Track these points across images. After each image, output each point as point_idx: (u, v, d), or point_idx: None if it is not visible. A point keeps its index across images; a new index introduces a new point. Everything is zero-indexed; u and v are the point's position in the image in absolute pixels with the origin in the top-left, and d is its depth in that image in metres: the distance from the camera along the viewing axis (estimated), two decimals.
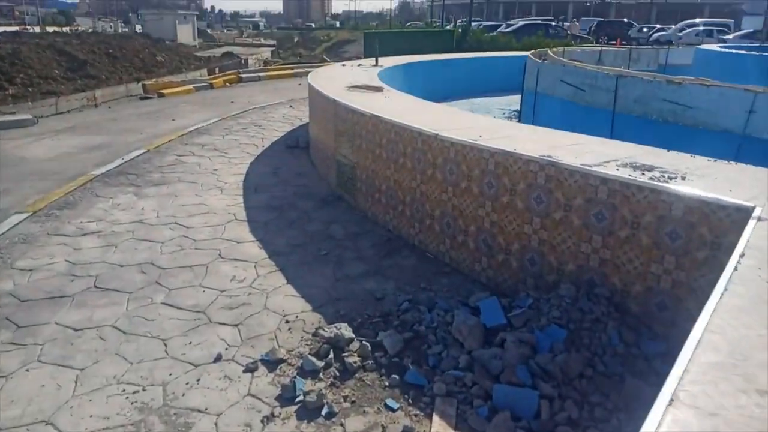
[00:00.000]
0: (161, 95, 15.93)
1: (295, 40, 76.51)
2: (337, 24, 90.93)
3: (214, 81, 18.75)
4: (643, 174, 3.50)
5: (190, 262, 4.74)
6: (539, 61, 9.46)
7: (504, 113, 12.42)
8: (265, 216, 5.87)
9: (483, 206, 4.32)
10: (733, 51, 10.94)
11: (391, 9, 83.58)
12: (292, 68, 23.59)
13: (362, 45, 42.80)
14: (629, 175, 3.46)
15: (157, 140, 9.30)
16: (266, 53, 54.88)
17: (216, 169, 7.55)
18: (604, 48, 13.91)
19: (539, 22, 37.70)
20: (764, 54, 10.61)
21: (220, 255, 4.90)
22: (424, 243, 5.00)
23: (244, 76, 20.42)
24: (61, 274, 4.53)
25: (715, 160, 3.92)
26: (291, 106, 12.98)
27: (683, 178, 3.43)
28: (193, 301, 4.14)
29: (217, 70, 29.73)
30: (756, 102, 5.96)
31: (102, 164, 7.79)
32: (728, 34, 37.67)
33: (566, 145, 4.26)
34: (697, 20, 43.97)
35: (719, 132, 6.32)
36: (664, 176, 3.46)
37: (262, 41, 67.72)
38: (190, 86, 17.47)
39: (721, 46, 13.04)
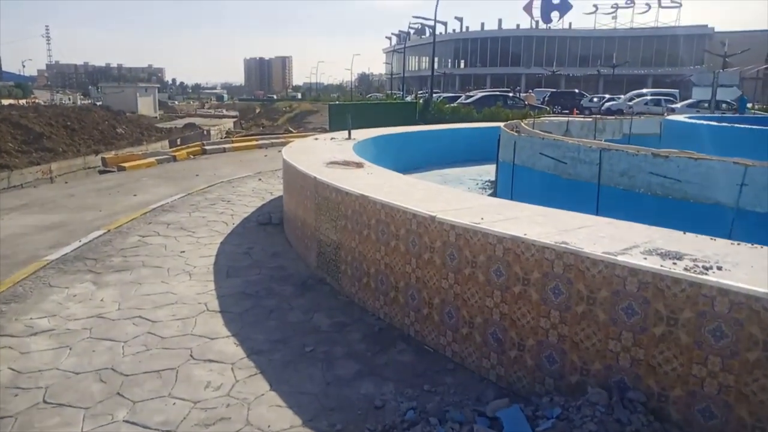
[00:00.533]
0: (122, 168, 15.37)
1: (257, 111, 77.27)
2: (299, 95, 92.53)
3: (177, 153, 18.31)
4: (674, 264, 3.18)
5: (157, 366, 4.14)
6: (514, 133, 9.38)
7: (477, 184, 12.28)
8: (240, 305, 5.33)
9: (491, 296, 3.91)
10: (704, 122, 11.19)
11: (351, 81, 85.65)
12: (256, 139, 23.40)
13: (325, 116, 43.31)
14: (661, 266, 3.13)
15: (118, 219, 8.71)
16: (228, 124, 54.90)
17: (183, 251, 7.00)
18: (570, 119, 14.12)
19: (497, 93, 38.95)
20: (734, 125, 10.86)
21: (191, 355, 4.32)
22: (422, 334, 4.54)
23: (208, 147, 20.06)
24: (4, 386, 3.87)
25: (738, 243, 3.64)
26: (260, 179, 12.59)
27: (719, 268, 3.11)
28: (162, 417, 3.53)
29: (179, 141, 29.34)
30: (747, 175, 5.87)
31: (57, 247, 7.15)
32: (675, 103, 39.60)
33: (576, 228, 3.94)
34: (645, 90, 46.33)
35: (711, 205, 6.18)
36: (698, 266, 3.14)
37: (225, 112, 68.01)
38: (152, 159, 16.97)
39: (688, 117, 13.40)
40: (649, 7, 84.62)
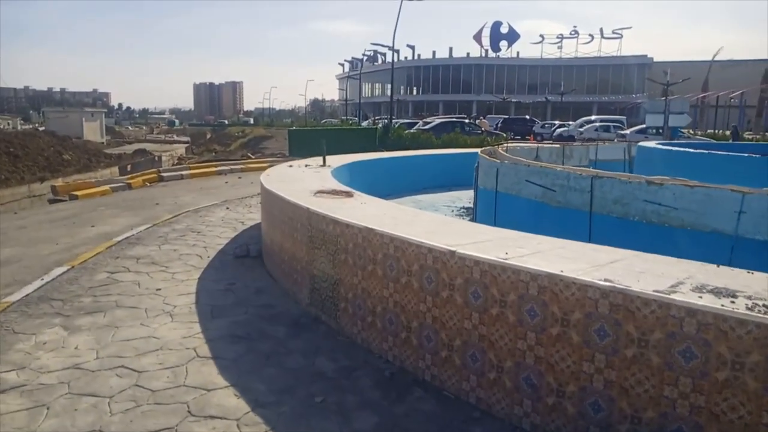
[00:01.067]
0: (74, 197, 14.54)
1: (208, 136, 75.93)
2: (251, 120, 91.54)
3: (132, 181, 17.53)
4: (732, 302, 2.99)
5: (152, 426, 3.66)
6: (495, 160, 9.27)
7: (452, 210, 12.13)
8: (233, 350, 4.88)
9: (524, 338, 3.64)
10: (677, 149, 11.42)
11: (305, 107, 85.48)
12: (215, 166, 22.73)
13: (281, 141, 42.67)
14: (721, 305, 2.94)
15: (80, 253, 8.07)
16: (180, 150, 53.77)
17: (159, 289, 6.47)
18: (540, 145, 14.23)
19: (454, 119, 39.42)
20: (710, 152, 11.10)
21: (189, 411, 3.85)
22: (440, 379, 4.22)
23: (165, 174, 19.31)
24: None
25: None
26: (227, 208, 12.07)
27: None
28: None
29: (129, 167, 28.30)
30: (745, 202, 5.86)
31: (14, 286, 6.50)
32: (623, 129, 41.01)
33: (609, 263, 3.73)
34: (594, 117, 47.81)
35: (709, 233, 6.15)
36: (757, 304, 2.97)
37: (175, 137, 66.51)
38: (107, 186, 16.18)
39: (659, 143, 13.68)
40: (593, 38, 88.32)
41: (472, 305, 3.93)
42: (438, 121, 37.16)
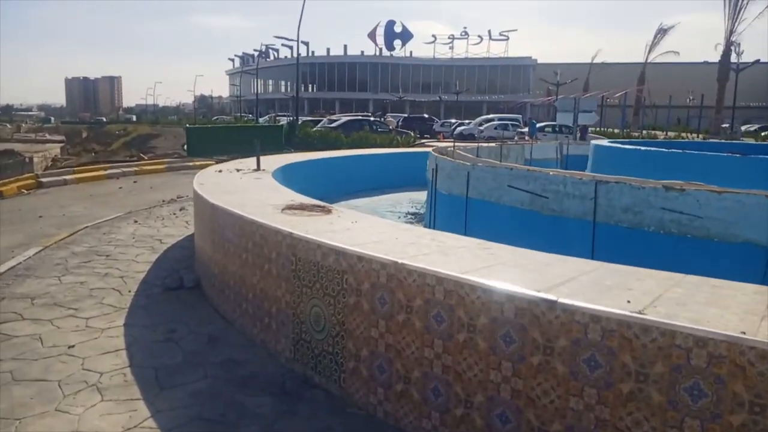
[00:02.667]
0: None
1: (85, 135, 69.17)
2: (134, 118, 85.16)
3: (4, 188, 14.72)
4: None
5: None
6: (463, 162, 8.22)
7: (398, 217, 10.97)
8: None
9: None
10: (638, 148, 11.03)
11: (194, 103, 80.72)
12: (104, 168, 20.00)
13: (170, 140, 39.50)
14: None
15: None
16: (54, 150, 48.30)
17: (73, 346, 4.72)
18: (480, 145, 13.47)
19: (361, 117, 38.37)
20: (672, 150, 10.76)
21: None
22: None
23: (45, 180, 16.52)
24: None
25: None
26: (136, 222, 10.09)
27: None
28: None
29: None
30: None
31: None
32: (521, 127, 42.11)
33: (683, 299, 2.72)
34: (492, 116, 48.80)
35: (740, 244, 5.46)
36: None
37: (47, 136, 60.01)
38: None
39: (611, 142, 13.35)
40: (482, 39, 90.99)
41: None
42: (345, 119, 35.91)
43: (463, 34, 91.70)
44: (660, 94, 66.26)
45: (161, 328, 5.15)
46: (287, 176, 9.86)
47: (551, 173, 6.73)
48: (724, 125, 45.63)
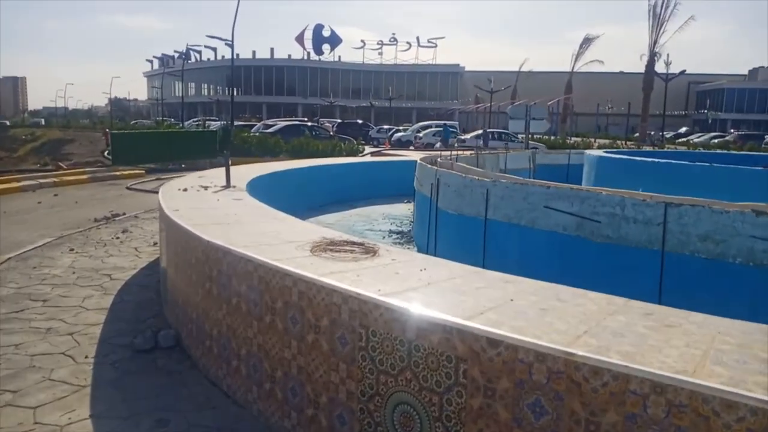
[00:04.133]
0: None
1: None
2: (42, 121, 78.95)
3: None
4: None
5: None
6: (473, 177, 7.10)
7: (383, 237, 9.72)
8: None
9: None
10: (641, 159, 10.31)
11: (111, 106, 75.67)
12: (18, 180, 17.45)
13: (85, 146, 36.32)
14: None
15: None
16: None
17: None
18: (458, 154, 12.45)
19: (298, 122, 36.77)
20: (694, 163, 10.08)
21: None
22: None
23: None
24: None
25: None
26: (72, 249, 8.26)
27: None
28: None
29: None
30: None
31: None
32: (460, 134, 41.84)
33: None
34: (430, 122, 48.32)
35: None
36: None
37: None
38: None
39: (606, 152, 12.59)
40: (410, 45, 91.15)
41: None
42: (282, 124, 34.19)
43: (392, 40, 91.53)
44: (584, 103, 68.63)
45: (145, 420, 3.68)
46: (255, 192, 8.43)
47: (604, 193, 5.72)
48: (650, 132, 47.39)
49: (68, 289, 6.34)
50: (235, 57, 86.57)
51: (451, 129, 42.77)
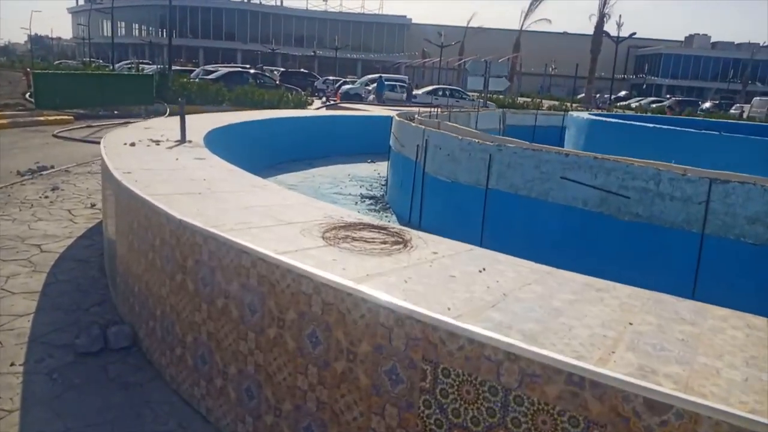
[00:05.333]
0: None
1: None
2: None
3: None
4: None
5: None
6: (489, 144, 6.22)
7: (355, 203, 8.79)
8: None
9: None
10: (639, 124, 9.61)
11: (31, 44, 69.46)
12: None
13: (3, 86, 33.01)
14: None
15: None
16: None
17: None
18: (422, 109, 11.52)
19: (241, 69, 34.57)
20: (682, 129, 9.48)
21: None
22: None
23: None
24: None
25: None
26: None
27: None
28: None
29: None
30: None
31: None
32: (408, 89, 40.70)
33: None
34: (378, 75, 46.76)
35: None
36: None
37: None
38: None
39: (598, 115, 11.82)
40: None
41: None
42: (225, 70, 32.03)
43: None
44: (530, 63, 68.52)
45: None
46: (212, 148, 7.30)
47: (635, 164, 5.00)
48: (595, 95, 47.72)
49: None
50: None
51: (400, 84, 41.57)
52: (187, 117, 10.56)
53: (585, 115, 11.91)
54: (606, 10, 46.25)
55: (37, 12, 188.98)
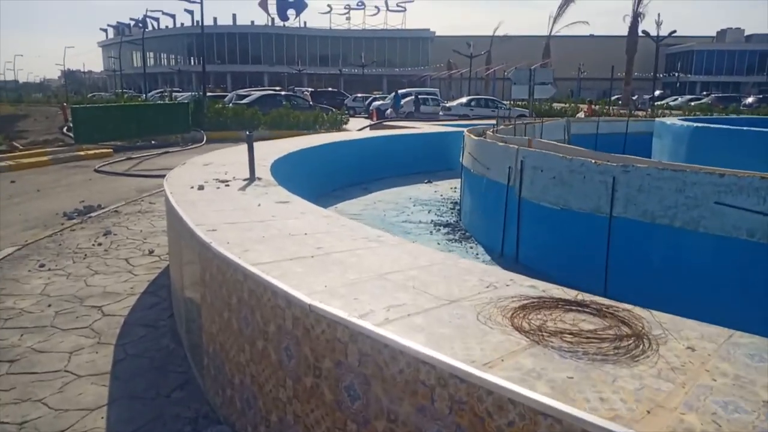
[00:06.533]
0: None
1: None
2: None
3: None
4: None
5: None
6: (611, 164, 5.31)
7: (430, 232, 7.94)
8: None
9: None
10: (749, 129, 8.58)
11: (62, 78, 70.91)
12: None
13: (41, 122, 33.23)
14: None
15: None
16: None
17: None
18: (498, 126, 10.68)
19: (274, 92, 34.26)
20: None
21: None
22: None
23: None
24: None
25: None
26: (41, 265, 6.22)
27: None
28: None
29: None
30: None
31: None
32: (442, 102, 39.94)
33: None
34: (409, 90, 46.15)
35: None
36: None
37: None
38: None
39: (699, 121, 10.79)
40: (379, 10, 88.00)
41: None
42: (259, 94, 31.72)
43: (359, 4, 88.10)
44: (560, 68, 67.14)
45: None
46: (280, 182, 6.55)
47: None
48: (633, 96, 46.28)
49: (44, 337, 4.42)
50: (196, 24, 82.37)
51: (432, 98, 40.80)
52: (234, 147, 9.96)
53: (684, 122, 10.78)
54: (640, 10, 44.88)
55: (70, 48, 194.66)
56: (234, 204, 4.35)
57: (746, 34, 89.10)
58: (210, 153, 8.10)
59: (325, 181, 10.37)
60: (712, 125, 9.92)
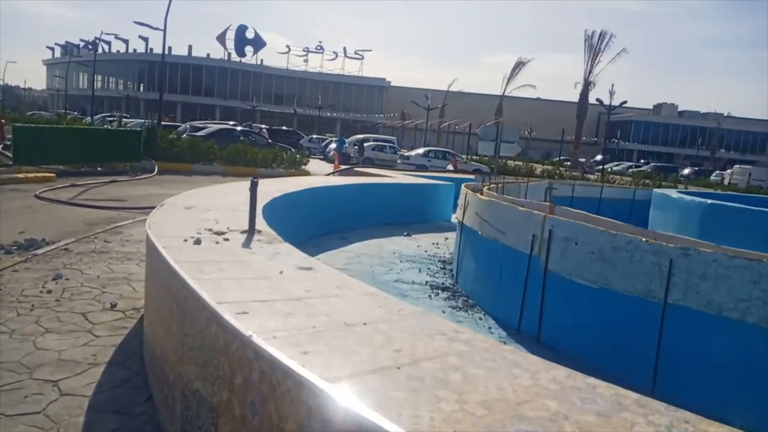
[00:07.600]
0: None
1: None
2: None
3: None
4: None
5: None
6: (668, 246, 4.76)
7: (429, 296, 7.21)
8: None
9: None
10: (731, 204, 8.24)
11: (2, 93, 67.17)
12: None
13: None
14: None
15: None
16: None
17: None
18: (519, 182, 10.18)
19: (230, 127, 33.16)
20: None
21: None
22: None
23: None
24: None
25: None
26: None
27: None
28: None
29: None
30: None
31: None
32: (396, 150, 39.84)
33: None
34: (366, 136, 46.01)
35: None
36: None
37: None
38: None
39: (712, 197, 10.41)
40: (337, 55, 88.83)
41: None
42: (215, 127, 30.62)
43: (318, 48, 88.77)
44: (515, 126, 69.02)
45: None
46: (277, 222, 5.70)
47: None
48: (581, 159, 47.79)
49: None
50: (150, 51, 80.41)
51: (390, 145, 40.67)
52: (208, 187, 9.03)
53: (693, 197, 10.46)
54: (591, 79, 46.86)
55: (12, 62, 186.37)
56: (250, 270, 3.50)
57: (679, 109, 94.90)
58: (186, 192, 7.17)
59: (299, 227, 9.53)
60: (726, 203, 9.67)
